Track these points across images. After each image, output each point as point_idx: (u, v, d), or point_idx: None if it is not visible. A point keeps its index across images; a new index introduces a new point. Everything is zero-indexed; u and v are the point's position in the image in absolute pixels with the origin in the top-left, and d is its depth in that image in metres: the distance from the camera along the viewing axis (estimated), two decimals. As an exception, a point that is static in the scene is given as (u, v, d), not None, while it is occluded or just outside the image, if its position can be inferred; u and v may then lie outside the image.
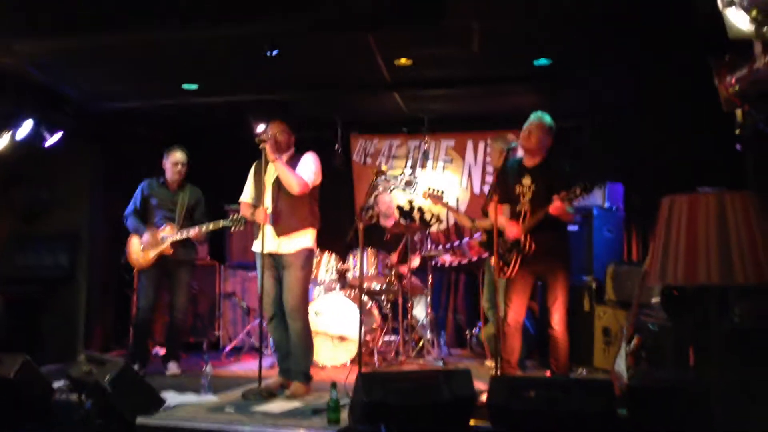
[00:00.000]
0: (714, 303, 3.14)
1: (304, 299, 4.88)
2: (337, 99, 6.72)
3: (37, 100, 6.04)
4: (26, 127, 5.91)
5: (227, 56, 5.42)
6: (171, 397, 4.50)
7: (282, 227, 4.81)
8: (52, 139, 6.14)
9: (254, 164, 5.04)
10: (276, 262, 4.88)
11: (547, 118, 4.74)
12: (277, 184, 4.83)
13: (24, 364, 4.40)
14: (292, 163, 4.86)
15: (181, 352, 6.04)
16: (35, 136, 6.01)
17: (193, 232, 5.63)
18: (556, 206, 4.47)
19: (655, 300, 4.56)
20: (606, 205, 6.09)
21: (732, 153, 3.95)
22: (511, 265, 4.71)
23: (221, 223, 5.53)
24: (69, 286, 6.73)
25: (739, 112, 3.52)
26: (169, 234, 5.66)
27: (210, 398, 4.63)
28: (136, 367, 5.73)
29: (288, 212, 4.82)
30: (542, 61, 5.49)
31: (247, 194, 5.06)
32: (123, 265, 6.11)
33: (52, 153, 6.40)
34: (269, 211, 4.82)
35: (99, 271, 6.90)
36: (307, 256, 4.88)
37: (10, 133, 5.81)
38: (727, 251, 2.46)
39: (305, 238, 4.86)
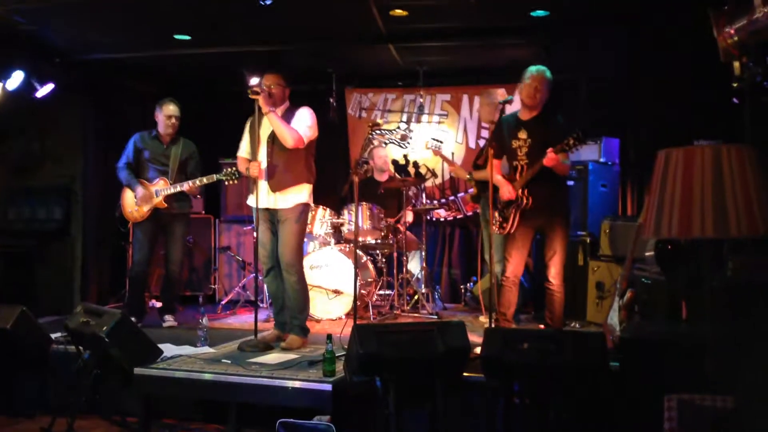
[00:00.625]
0: (708, 257, 3.15)
1: (299, 253, 4.88)
2: (332, 51, 6.63)
3: (25, 50, 5.94)
4: (16, 78, 5.82)
5: (220, 5, 5.32)
6: (168, 349, 4.55)
7: (277, 183, 4.77)
8: (43, 90, 6.05)
9: (249, 118, 4.99)
10: (272, 216, 4.86)
11: (548, 72, 4.72)
12: (272, 138, 4.77)
13: (21, 315, 4.44)
14: (288, 116, 4.80)
15: (177, 305, 6.07)
16: (26, 88, 5.92)
17: (186, 185, 5.61)
18: (550, 158, 4.47)
19: (648, 254, 4.58)
20: (601, 159, 6.08)
21: (729, 106, 3.92)
22: (510, 220, 4.72)
23: (214, 176, 5.52)
24: (63, 239, 6.73)
25: (737, 65, 3.49)
26: (162, 188, 5.64)
27: (207, 350, 4.67)
28: (132, 320, 5.80)
29: (283, 167, 4.78)
30: (539, 13, 5.41)
31: (243, 149, 5.01)
32: (118, 218, 6.09)
33: (44, 105, 6.33)
34: (264, 166, 4.79)
35: (93, 224, 6.89)
36: (303, 210, 4.86)
37: (1, 84, 5.72)
38: (723, 204, 2.46)
39: (301, 194, 4.83)
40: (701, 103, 5.52)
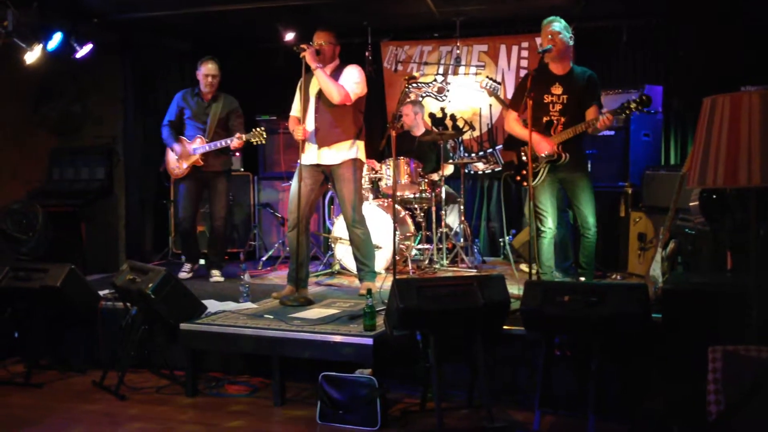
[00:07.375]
0: (754, 205, 3.08)
1: (361, 207, 5.09)
2: (367, 4, 6.53)
3: (63, 11, 5.96)
4: (55, 39, 5.87)
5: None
6: (212, 305, 4.64)
7: (323, 138, 4.93)
8: (83, 51, 6.10)
9: (301, 79, 5.04)
10: (324, 174, 5.02)
11: (557, 24, 4.59)
12: (320, 95, 4.92)
13: (70, 273, 4.56)
14: (336, 74, 4.92)
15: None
16: (65, 49, 5.97)
17: (218, 144, 5.69)
18: (607, 119, 4.43)
19: (692, 204, 4.49)
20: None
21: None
22: (541, 174, 4.67)
23: (243, 137, 5.59)
24: (107, 199, 6.86)
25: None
26: (198, 146, 5.72)
27: (249, 305, 4.75)
28: (188, 266, 6.03)
29: (329, 123, 4.92)
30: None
31: (295, 108, 5.14)
32: (162, 173, 6.20)
33: (83, 67, 6.39)
34: (311, 121, 4.91)
35: (135, 183, 7.01)
36: (355, 166, 5.00)
37: (40, 46, 5.76)
38: (771, 151, 2.39)
39: (349, 150, 4.97)
40: (748, 47, 5.35)
